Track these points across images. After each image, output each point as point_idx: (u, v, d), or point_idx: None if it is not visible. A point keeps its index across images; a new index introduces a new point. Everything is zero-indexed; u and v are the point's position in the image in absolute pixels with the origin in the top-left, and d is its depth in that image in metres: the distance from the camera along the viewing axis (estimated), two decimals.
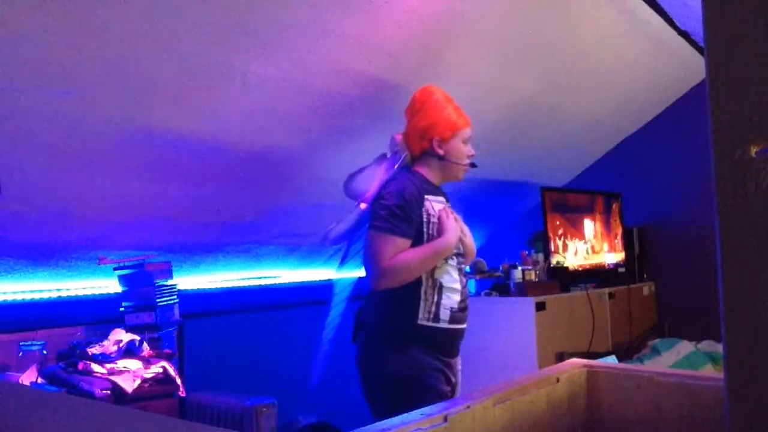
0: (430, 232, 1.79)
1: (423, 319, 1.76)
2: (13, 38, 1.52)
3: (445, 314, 1.78)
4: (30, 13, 1.48)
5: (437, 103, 1.89)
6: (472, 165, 1.96)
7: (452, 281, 1.81)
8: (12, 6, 1.44)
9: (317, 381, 1.83)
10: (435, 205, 1.83)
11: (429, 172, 1.90)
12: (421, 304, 1.77)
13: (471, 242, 1.95)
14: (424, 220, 1.79)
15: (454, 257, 1.84)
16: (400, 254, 1.74)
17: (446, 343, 1.81)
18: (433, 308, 1.77)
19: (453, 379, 1.86)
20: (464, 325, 1.87)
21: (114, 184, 2.11)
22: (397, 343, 1.77)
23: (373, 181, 1.88)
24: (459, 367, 1.92)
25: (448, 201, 1.97)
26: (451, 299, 1.80)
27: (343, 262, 2.00)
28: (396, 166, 1.91)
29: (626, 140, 3.97)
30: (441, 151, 1.88)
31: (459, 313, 1.83)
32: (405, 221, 1.75)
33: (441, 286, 1.79)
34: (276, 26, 1.88)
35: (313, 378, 1.85)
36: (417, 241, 1.78)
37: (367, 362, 1.80)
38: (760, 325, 0.49)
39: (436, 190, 1.90)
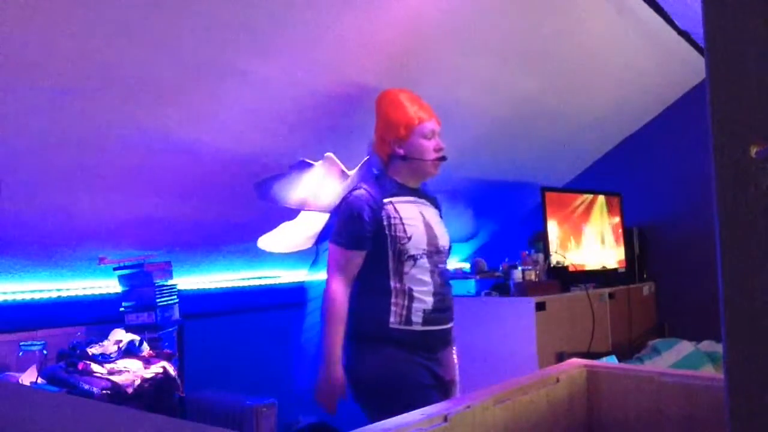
0: (393, 233, 1.78)
1: (394, 323, 1.76)
2: (13, 39, 1.52)
3: (417, 317, 1.77)
4: (30, 13, 1.48)
5: (389, 105, 1.90)
6: (441, 159, 1.90)
7: (422, 285, 1.79)
8: (11, 6, 1.44)
9: (304, 385, 1.84)
10: (402, 206, 1.83)
11: (400, 175, 1.90)
12: (392, 308, 1.77)
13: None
14: (385, 223, 1.79)
15: (425, 256, 1.81)
16: (338, 294, 1.76)
17: (423, 343, 1.79)
18: (404, 312, 1.77)
19: (441, 373, 1.84)
20: (445, 326, 1.84)
21: (114, 184, 2.11)
22: (372, 345, 1.77)
23: (291, 189, 1.88)
24: (453, 361, 1.89)
25: (433, 203, 1.98)
26: (423, 302, 1.78)
27: (314, 263, 2.03)
28: (357, 175, 1.95)
29: (626, 140, 3.97)
30: (401, 151, 1.87)
31: (434, 314, 1.80)
32: (358, 232, 1.78)
33: (411, 292, 1.78)
34: (276, 26, 1.88)
35: (298, 383, 1.88)
36: (379, 243, 1.79)
37: (347, 366, 1.80)
38: (760, 325, 0.49)
39: (409, 192, 1.89)
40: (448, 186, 3.30)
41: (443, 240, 1.89)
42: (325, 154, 2.02)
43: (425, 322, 1.78)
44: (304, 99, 2.22)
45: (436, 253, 1.84)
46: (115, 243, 2.33)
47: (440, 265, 1.86)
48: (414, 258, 1.79)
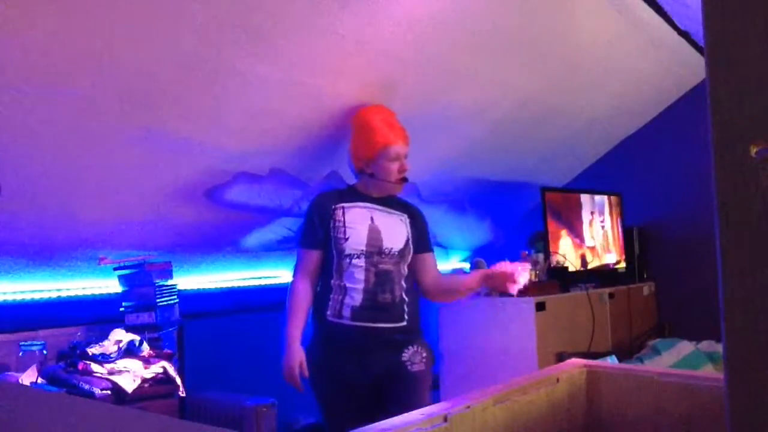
0: (335, 235, 1.99)
1: (329, 315, 1.98)
2: (13, 38, 1.52)
3: (347, 312, 1.96)
4: (30, 13, 1.48)
5: (361, 127, 2.12)
6: (403, 180, 2.09)
7: (356, 283, 1.96)
8: (12, 7, 1.44)
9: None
10: (351, 210, 2.03)
11: (365, 187, 2.11)
12: (329, 303, 1.98)
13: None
14: (331, 226, 2.01)
15: (363, 256, 1.97)
16: (296, 288, 2.02)
17: (353, 339, 1.96)
18: (338, 306, 1.97)
19: (372, 373, 1.97)
20: (378, 324, 1.96)
21: (114, 184, 2.11)
22: (317, 339, 2.03)
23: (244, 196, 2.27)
24: (404, 358, 1.98)
25: (406, 212, 2.12)
26: (354, 299, 1.96)
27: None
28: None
29: (626, 140, 3.97)
30: (369, 170, 2.08)
31: (364, 312, 1.95)
32: (311, 234, 2.03)
33: (345, 288, 1.97)
34: (276, 26, 1.88)
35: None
36: (327, 244, 2.01)
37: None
38: (760, 325, 0.49)
39: (366, 199, 2.08)
40: (449, 187, 3.30)
41: (390, 243, 2.02)
42: (270, 168, 2.29)
43: (354, 318, 1.95)
44: (304, 99, 2.22)
45: (377, 254, 1.99)
46: (115, 243, 2.33)
47: (381, 266, 1.99)
48: (350, 257, 1.97)
